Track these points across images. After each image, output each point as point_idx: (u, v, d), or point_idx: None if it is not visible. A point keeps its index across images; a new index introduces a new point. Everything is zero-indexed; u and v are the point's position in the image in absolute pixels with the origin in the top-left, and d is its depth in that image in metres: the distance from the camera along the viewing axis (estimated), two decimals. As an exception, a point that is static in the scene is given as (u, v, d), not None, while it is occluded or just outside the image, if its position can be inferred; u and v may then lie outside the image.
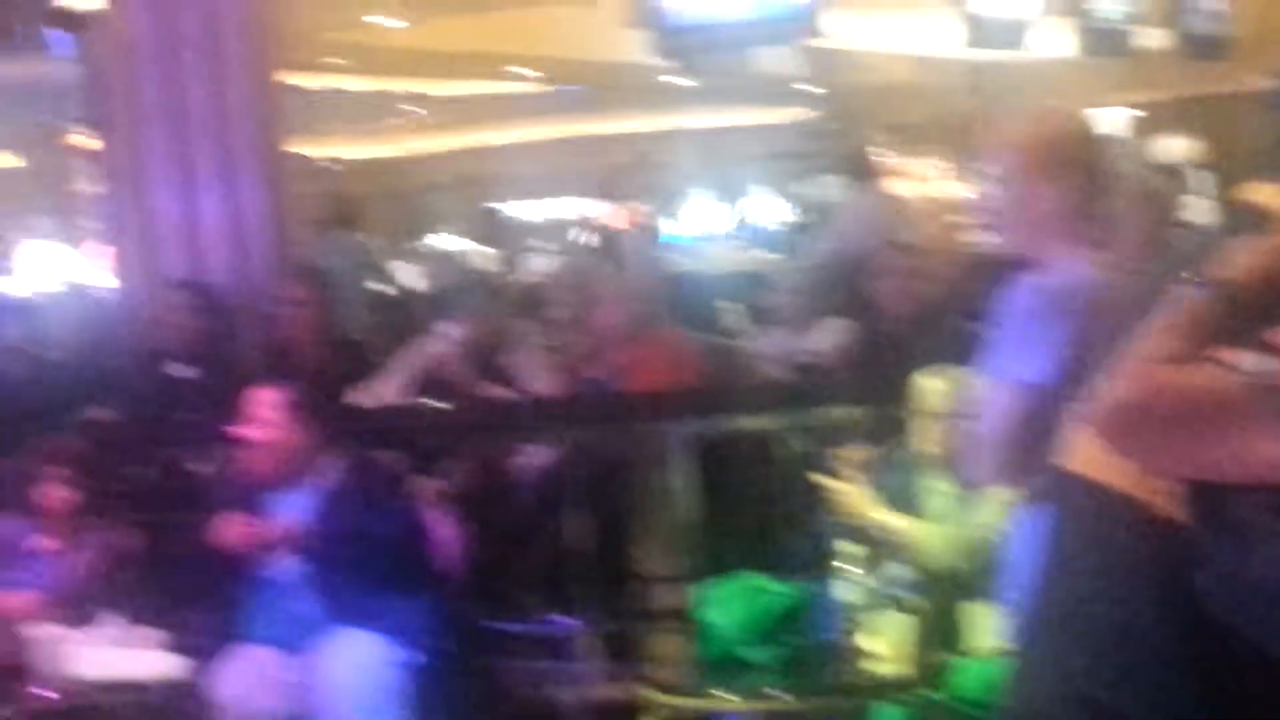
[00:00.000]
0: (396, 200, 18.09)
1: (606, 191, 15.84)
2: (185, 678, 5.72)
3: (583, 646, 6.36)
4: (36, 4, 10.26)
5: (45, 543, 6.37)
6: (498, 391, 7.72)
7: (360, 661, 5.77)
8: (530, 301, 9.14)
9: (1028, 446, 3.72)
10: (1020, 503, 3.93)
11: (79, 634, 5.78)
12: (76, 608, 5.88)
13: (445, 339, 8.09)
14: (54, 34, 9.74)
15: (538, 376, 7.92)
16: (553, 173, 19.51)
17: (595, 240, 14.69)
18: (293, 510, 5.99)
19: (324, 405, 6.38)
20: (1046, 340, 3.83)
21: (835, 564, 5.16)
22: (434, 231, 17.72)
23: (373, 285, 11.65)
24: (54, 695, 5.61)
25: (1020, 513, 3.89)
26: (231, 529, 5.88)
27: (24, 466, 6.54)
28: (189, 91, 8.18)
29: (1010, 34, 14.05)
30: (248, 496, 6.05)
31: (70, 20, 9.29)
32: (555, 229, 18.30)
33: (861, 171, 10.98)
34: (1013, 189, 4.10)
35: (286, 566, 5.96)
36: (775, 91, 19.48)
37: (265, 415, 6.00)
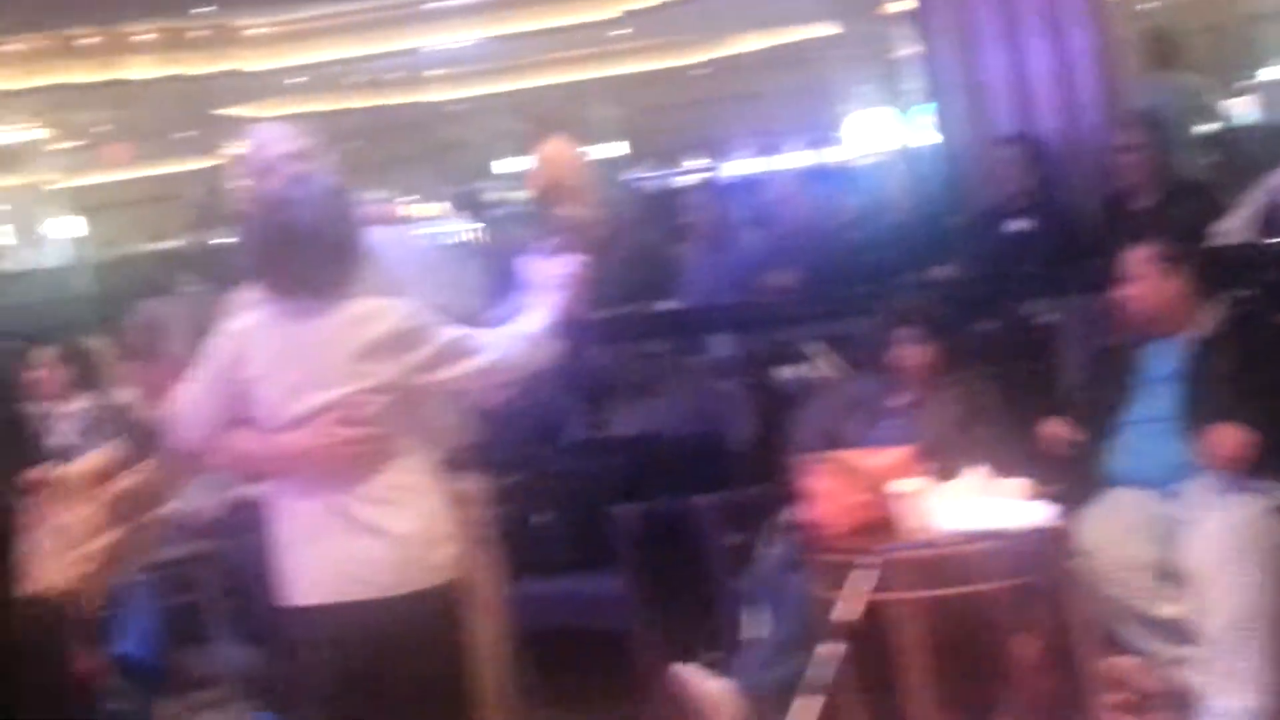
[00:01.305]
0: (1221, 34, 17.37)
1: None
2: (1051, 525, 5.74)
3: None
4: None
5: (904, 399, 6.55)
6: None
7: (1229, 506, 5.67)
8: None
9: None
10: None
11: (942, 486, 5.88)
12: (938, 461, 5.98)
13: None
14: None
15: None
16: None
17: None
18: (1167, 360, 6.05)
19: (1195, 254, 6.40)
20: None
21: None
22: (1265, 63, 16.95)
23: (1204, 125, 11.30)
24: (920, 547, 5.73)
25: None
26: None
27: (877, 328, 6.74)
28: (1012, -57, 8.16)
29: None
30: (1119, 350, 6.23)
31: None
32: None
33: None
34: None
35: (1157, 408, 5.94)
36: None
37: (1139, 270, 6.16)
